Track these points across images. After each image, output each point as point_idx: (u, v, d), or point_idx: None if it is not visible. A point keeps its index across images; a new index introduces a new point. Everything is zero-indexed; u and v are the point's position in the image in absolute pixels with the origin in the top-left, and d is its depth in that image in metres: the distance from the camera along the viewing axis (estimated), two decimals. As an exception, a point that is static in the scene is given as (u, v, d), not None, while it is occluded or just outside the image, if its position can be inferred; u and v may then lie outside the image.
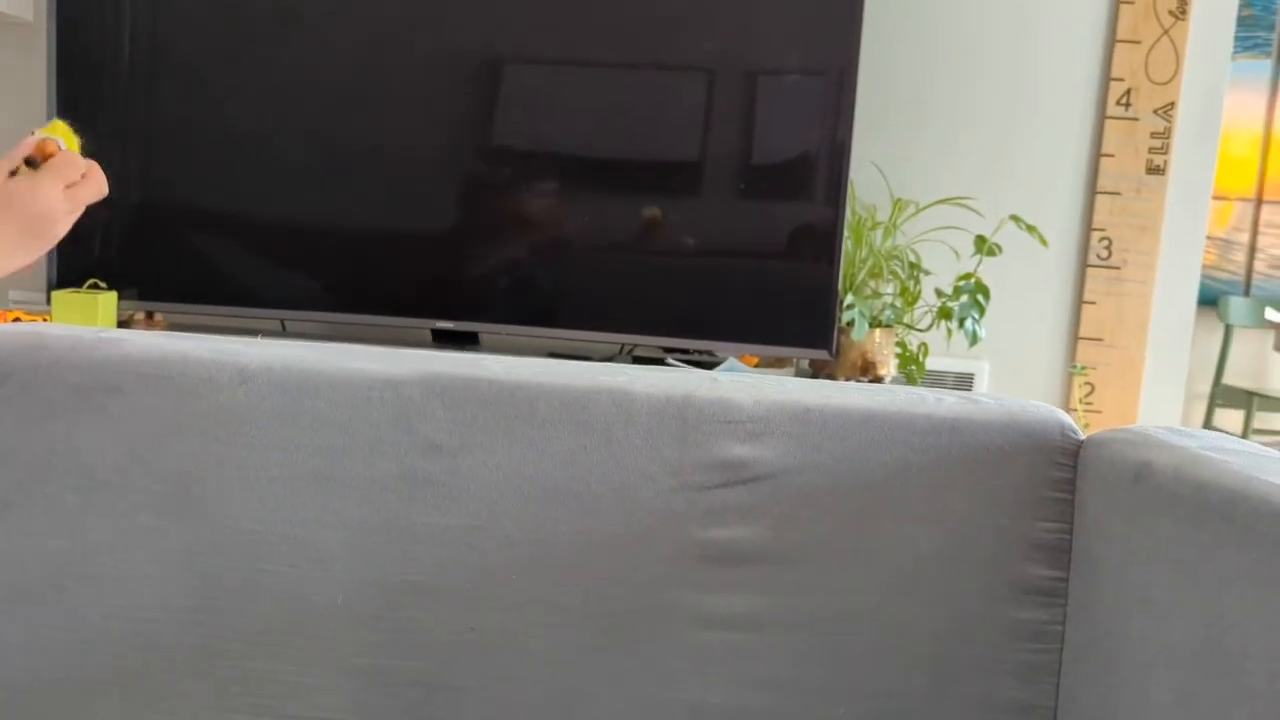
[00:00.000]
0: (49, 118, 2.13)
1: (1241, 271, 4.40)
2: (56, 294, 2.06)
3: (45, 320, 2.09)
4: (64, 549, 0.77)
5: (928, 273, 2.17)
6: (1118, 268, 2.35)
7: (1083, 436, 0.79)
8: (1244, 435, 3.98)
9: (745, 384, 0.84)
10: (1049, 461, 0.79)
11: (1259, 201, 4.38)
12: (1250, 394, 4.04)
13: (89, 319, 2.03)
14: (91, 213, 2.10)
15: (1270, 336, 4.23)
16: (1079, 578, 0.77)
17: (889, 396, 0.82)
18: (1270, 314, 3.73)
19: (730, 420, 0.82)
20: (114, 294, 2.09)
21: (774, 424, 0.81)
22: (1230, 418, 4.21)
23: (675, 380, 0.83)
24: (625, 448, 0.81)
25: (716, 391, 0.83)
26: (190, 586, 0.79)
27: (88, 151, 0.95)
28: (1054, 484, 0.79)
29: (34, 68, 2.32)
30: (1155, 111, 2.32)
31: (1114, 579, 0.72)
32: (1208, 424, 4.21)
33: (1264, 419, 4.05)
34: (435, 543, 0.81)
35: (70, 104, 2.15)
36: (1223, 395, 4.19)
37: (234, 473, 0.77)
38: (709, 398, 0.82)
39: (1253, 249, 4.39)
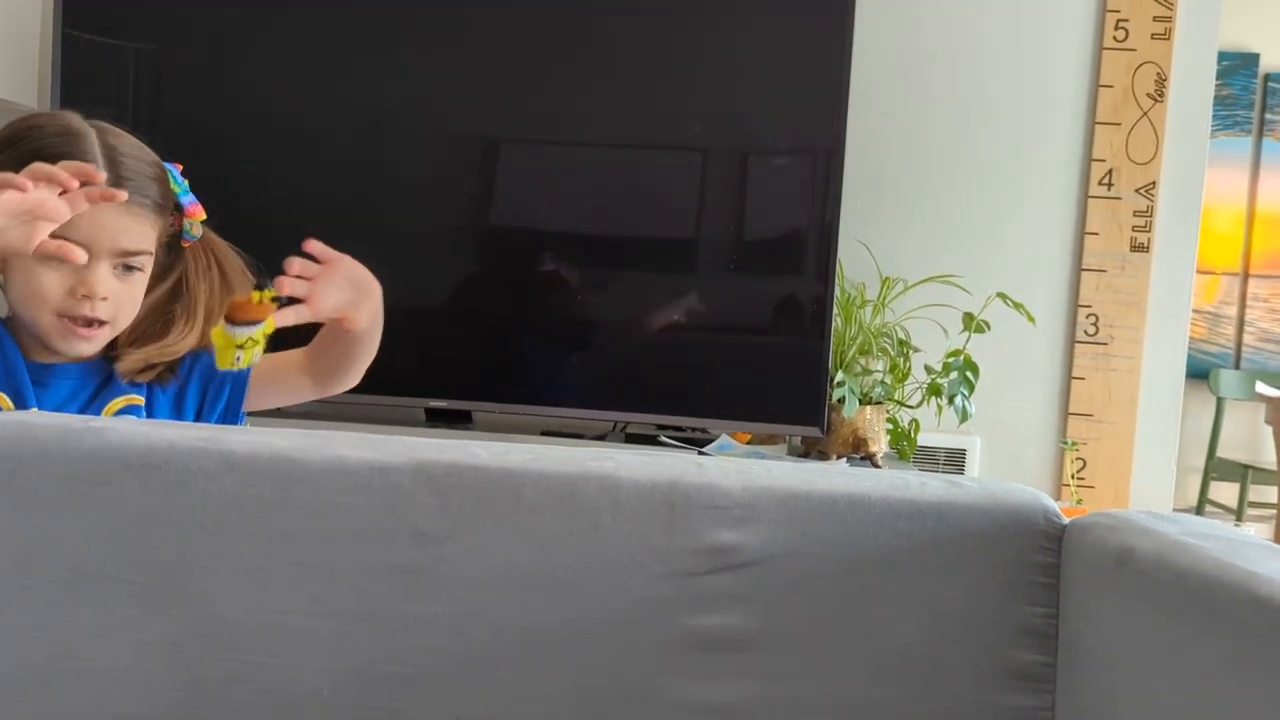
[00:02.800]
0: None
1: (1231, 345, 4.44)
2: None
3: (38, 402, 2.09)
4: (47, 641, 0.77)
5: (917, 350, 2.19)
6: (1105, 344, 2.38)
7: (1065, 521, 0.79)
8: (1239, 508, 3.98)
9: (731, 469, 0.84)
10: (1033, 546, 0.79)
11: (1245, 276, 4.43)
12: (1245, 467, 4.04)
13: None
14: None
15: (1262, 409, 4.24)
16: (1066, 663, 0.77)
17: (873, 481, 0.83)
18: (1261, 387, 3.76)
19: (717, 506, 0.82)
20: (108, 375, 2.10)
21: (760, 509, 0.82)
22: (1225, 490, 4.20)
23: (662, 466, 0.84)
24: (612, 534, 0.81)
25: (703, 477, 0.84)
26: (175, 678, 0.78)
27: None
28: (1039, 568, 0.79)
29: (35, 153, 2.36)
30: (1137, 190, 2.36)
31: (1100, 665, 0.72)
32: (1203, 497, 4.21)
33: (1258, 491, 4.04)
34: (422, 631, 0.80)
35: (70, 188, 2.17)
36: (1217, 468, 4.20)
37: (220, 562, 0.78)
38: (695, 483, 0.83)
39: (1241, 322, 4.43)
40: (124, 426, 0.80)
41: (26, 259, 1.03)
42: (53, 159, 1.02)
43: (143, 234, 1.11)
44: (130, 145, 1.15)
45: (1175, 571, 0.64)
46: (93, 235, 1.05)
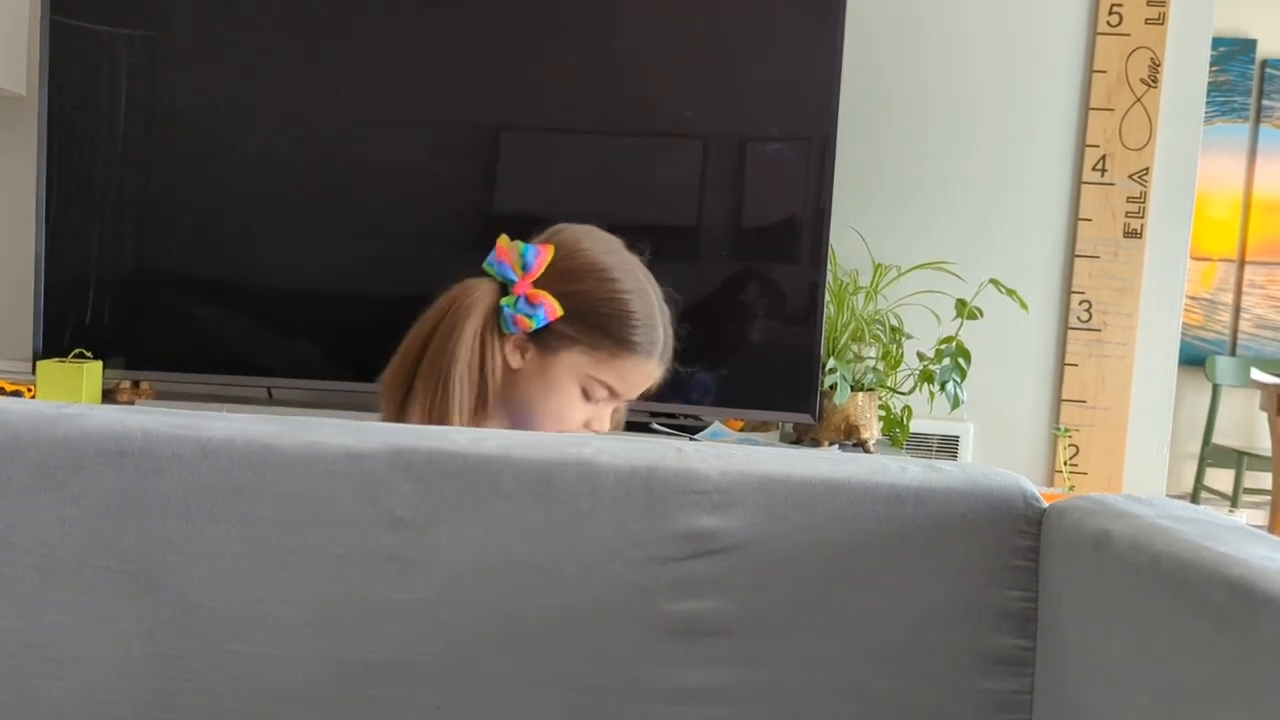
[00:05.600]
0: (39, 189, 2.15)
1: (1227, 331, 4.43)
2: (41, 364, 2.07)
3: (30, 391, 2.09)
4: (20, 630, 0.76)
5: (909, 336, 2.19)
6: (1098, 330, 2.37)
7: (1045, 504, 0.79)
8: (1234, 494, 3.98)
9: (710, 455, 0.84)
10: (1012, 529, 0.79)
11: (1241, 262, 4.43)
12: (1240, 453, 4.04)
13: (73, 389, 2.03)
14: (81, 282, 2.13)
15: (1257, 396, 4.24)
16: (1045, 647, 0.77)
17: (853, 466, 0.82)
18: (1256, 373, 3.75)
19: (696, 491, 0.82)
20: (99, 364, 2.10)
21: (740, 494, 0.81)
22: (1221, 477, 4.21)
23: (641, 451, 0.84)
24: (591, 521, 0.81)
25: (682, 462, 0.83)
26: (150, 667, 0.78)
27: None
28: (1018, 552, 0.79)
29: (25, 140, 2.36)
30: (1131, 176, 2.36)
31: (1078, 649, 0.72)
32: (1198, 484, 4.21)
33: (1253, 478, 4.05)
34: (400, 619, 0.80)
35: (61, 176, 2.17)
36: (1212, 455, 4.20)
37: (195, 549, 0.77)
38: (674, 468, 0.82)
39: (1237, 309, 4.42)
40: (98, 413, 0.79)
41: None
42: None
43: None
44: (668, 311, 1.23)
45: (1150, 554, 0.63)
46: (631, 390, 1.16)
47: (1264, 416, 4.18)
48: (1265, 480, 4.11)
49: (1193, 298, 4.35)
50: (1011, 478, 0.81)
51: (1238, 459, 4.01)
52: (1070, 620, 0.73)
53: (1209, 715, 0.56)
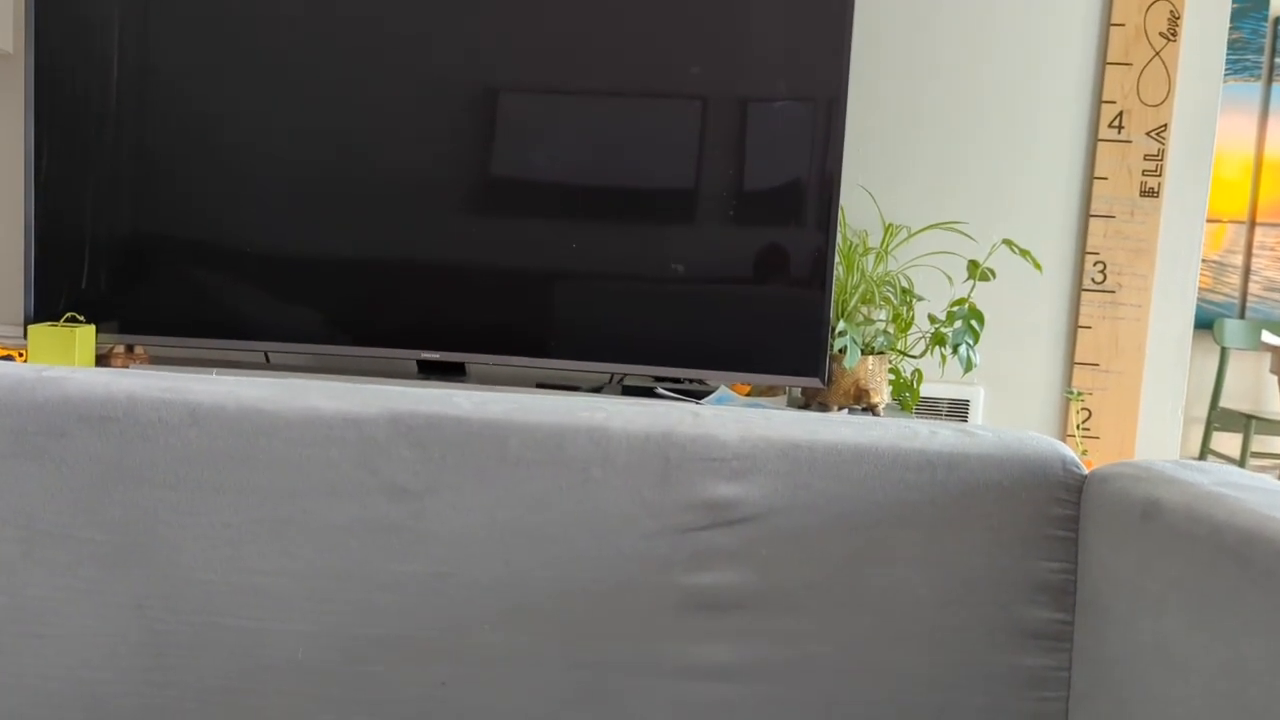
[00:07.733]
0: (27, 149, 2.10)
1: (1236, 294, 4.38)
2: (33, 328, 2.02)
3: (21, 355, 2.05)
4: (4, 605, 0.72)
5: (920, 298, 2.14)
6: (1113, 291, 2.32)
7: (1085, 471, 0.75)
8: (1242, 458, 3.95)
9: (729, 419, 0.80)
10: (1050, 498, 0.74)
11: (1252, 224, 4.36)
12: (1248, 417, 4.00)
13: (66, 353, 1.99)
14: (73, 245, 2.07)
15: (1266, 359, 4.21)
16: (1085, 622, 0.73)
17: (880, 431, 0.78)
18: (1266, 336, 3.71)
19: (714, 458, 0.77)
20: (92, 328, 2.05)
21: (760, 461, 0.77)
22: (1228, 441, 4.17)
23: (656, 416, 0.79)
24: (604, 488, 0.77)
25: (699, 427, 0.79)
26: (140, 642, 0.74)
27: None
28: (1056, 521, 0.74)
29: (13, 99, 2.29)
30: (1148, 134, 2.29)
31: (1123, 624, 0.67)
32: (1205, 447, 4.18)
33: (1262, 442, 4.02)
34: (401, 591, 0.76)
35: (49, 135, 2.12)
36: (1220, 419, 4.16)
37: (185, 519, 0.73)
38: (691, 434, 0.78)
39: (1247, 271, 4.37)
40: (80, 376, 0.74)
41: None
42: None
43: None
44: None
45: (1210, 524, 0.59)
46: None
47: (1272, 380, 4.14)
48: (1273, 444, 4.08)
49: (1202, 260, 4.29)
50: (1049, 443, 0.77)
51: (1246, 422, 3.97)
52: (1114, 593, 0.69)
53: (1277, 697, 0.52)
